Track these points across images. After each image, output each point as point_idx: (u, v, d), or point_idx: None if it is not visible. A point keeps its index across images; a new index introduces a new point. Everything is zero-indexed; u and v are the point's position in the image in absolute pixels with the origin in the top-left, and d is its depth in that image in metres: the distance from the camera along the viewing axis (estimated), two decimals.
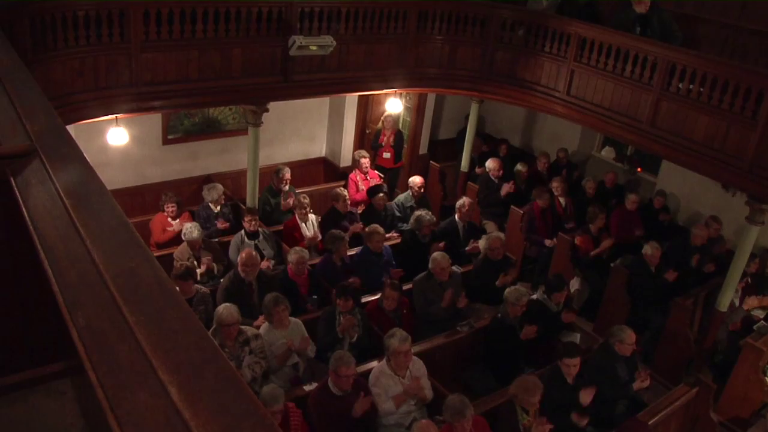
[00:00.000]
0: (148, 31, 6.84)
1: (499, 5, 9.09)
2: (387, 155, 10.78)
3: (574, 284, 8.86)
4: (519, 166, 10.30)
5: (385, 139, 10.69)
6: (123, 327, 1.68)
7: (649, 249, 8.09)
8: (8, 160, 2.69)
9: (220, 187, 8.67)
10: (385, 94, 9.86)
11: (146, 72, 7.02)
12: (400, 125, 11.42)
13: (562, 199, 9.62)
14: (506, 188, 9.87)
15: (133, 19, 6.74)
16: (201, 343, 1.64)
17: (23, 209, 2.45)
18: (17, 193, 2.56)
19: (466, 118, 10.57)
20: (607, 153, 11.11)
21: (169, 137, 9.47)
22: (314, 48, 7.68)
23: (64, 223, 2.27)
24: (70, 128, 6.05)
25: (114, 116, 7.33)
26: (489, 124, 12.46)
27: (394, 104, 10.02)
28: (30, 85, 3.78)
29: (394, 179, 10.99)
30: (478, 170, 10.73)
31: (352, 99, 10.76)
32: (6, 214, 2.73)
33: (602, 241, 8.87)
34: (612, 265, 8.65)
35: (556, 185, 9.60)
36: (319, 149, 11.23)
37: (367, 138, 11.33)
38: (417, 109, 11.47)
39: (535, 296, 7.30)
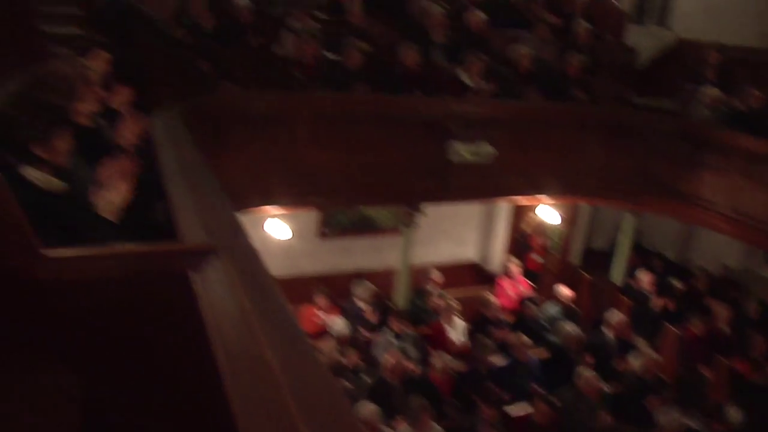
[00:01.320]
0: (315, 131, 7.20)
1: (660, 117, 8.91)
2: (536, 257, 10.61)
3: (733, 413, 8.19)
4: (674, 282, 9.82)
5: (534, 242, 10.58)
6: None
7: None
8: (189, 256, 2.84)
9: (369, 284, 8.81)
10: (539, 201, 9.79)
11: (308, 169, 7.33)
12: (551, 234, 11.26)
13: (722, 324, 9.02)
14: (660, 304, 9.42)
15: (300, 118, 7.14)
16: None
17: (200, 305, 2.56)
18: (195, 289, 2.69)
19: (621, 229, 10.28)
20: None
21: (324, 231, 9.79)
22: (472, 156, 7.79)
23: (239, 322, 2.31)
24: None
25: (275, 209, 7.70)
26: (644, 236, 12.02)
27: (547, 211, 9.92)
28: (210, 181, 4.05)
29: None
30: (631, 283, 10.32)
31: (505, 204, 10.75)
32: (183, 309, 2.85)
33: (765, 367, 8.20)
34: None
35: (718, 309, 9.03)
36: (469, 253, 11.22)
37: (516, 242, 11.24)
38: (569, 217, 11.29)
39: (690, 423, 6.82)
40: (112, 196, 3.04)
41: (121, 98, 4.75)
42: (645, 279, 9.69)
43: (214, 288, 2.61)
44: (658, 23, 12.62)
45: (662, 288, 9.78)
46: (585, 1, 10.52)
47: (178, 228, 3.14)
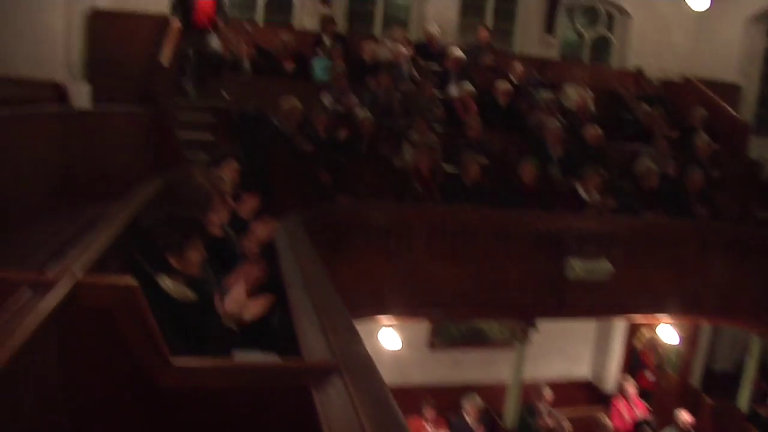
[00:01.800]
0: (431, 244, 7.23)
1: None
2: (649, 376, 10.15)
3: None
4: None
5: (647, 359, 10.14)
6: None
7: None
8: (311, 374, 2.85)
9: (478, 398, 8.59)
10: (658, 319, 9.41)
11: (424, 281, 7.33)
12: (670, 353, 10.76)
13: None
14: None
15: (418, 231, 7.19)
16: None
17: (321, 422, 2.55)
18: (317, 406, 2.69)
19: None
20: None
21: (434, 342, 9.68)
22: (589, 272, 7.62)
23: None
24: None
25: (388, 319, 7.69)
26: None
27: (666, 331, 9.51)
28: (333, 296, 4.08)
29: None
30: (759, 410, 9.65)
31: (621, 322, 10.37)
32: (303, 425, 2.85)
33: None
34: None
35: None
36: (582, 370, 10.83)
37: (630, 359, 10.78)
38: (689, 337, 10.77)
39: None
40: (236, 305, 3.12)
41: (248, 207, 4.93)
42: None
43: (334, 406, 2.60)
44: None
45: None
46: (705, 114, 10.35)
47: (300, 342, 3.17)
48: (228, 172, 4.88)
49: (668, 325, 9.44)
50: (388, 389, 2.82)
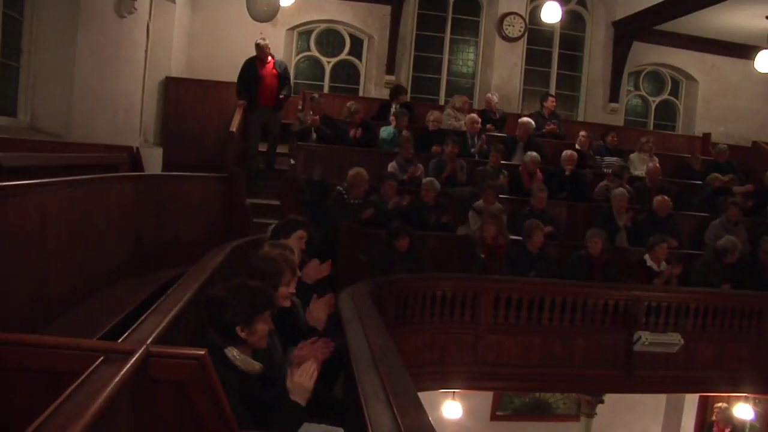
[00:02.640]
0: (496, 315, 7.13)
1: None
2: None
3: None
4: None
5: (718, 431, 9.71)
6: None
7: None
8: None
9: None
10: (733, 396, 9.03)
11: (489, 352, 7.21)
12: (747, 431, 10.28)
13: None
14: None
15: (484, 302, 7.11)
16: None
17: None
18: None
19: None
20: None
21: (498, 414, 9.50)
22: (659, 345, 7.40)
23: None
24: None
25: (451, 389, 7.58)
26: None
27: (743, 410, 9.10)
28: (401, 371, 4.03)
29: None
30: None
31: (692, 397, 9.99)
32: None
33: None
34: None
35: None
36: None
37: None
38: (767, 416, 10.29)
39: None
40: (303, 380, 3.11)
41: (315, 274, 4.95)
42: None
43: None
44: None
45: None
46: None
47: (366, 417, 3.14)
48: (296, 242, 4.92)
49: (743, 402, 9.03)
50: None
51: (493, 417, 9.52)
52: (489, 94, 11.11)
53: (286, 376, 3.18)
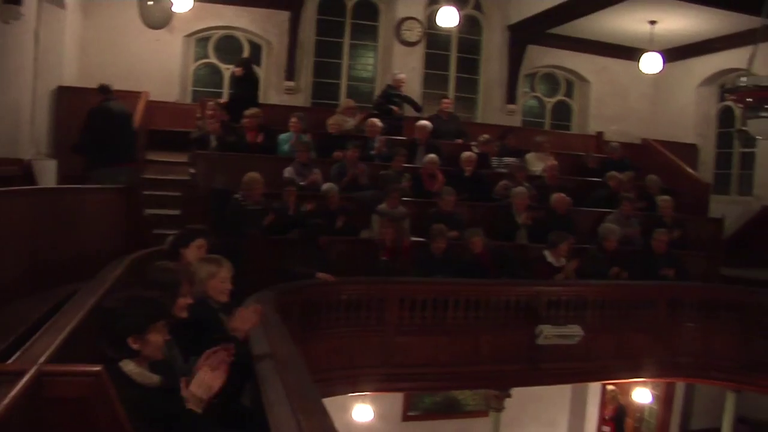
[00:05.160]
0: (402, 316, 7.20)
1: (756, 290, 8.61)
2: (606, 429, 10.21)
3: None
4: None
5: (606, 412, 10.15)
6: None
7: None
8: None
9: None
10: (632, 382, 9.42)
11: (397, 354, 7.26)
12: (646, 414, 10.73)
13: None
14: None
15: (389, 304, 7.16)
16: None
17: None
18: None
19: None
20: None
21: (410, 414, 9.58)
22: (561, 338, 7.63)
23: None
24: None
25: (361, 392, 7.60)
26: (749, 413, 11.26)
27: (642, 394, 9.50)
28: (304, 377, 4.02)
29: None
30: None
31: (595, 386, 10.35)
32: None
33: None
34: None
35: None
36: None
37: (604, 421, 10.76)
38: (664, 397, 10.76)
39: None
40: (203, 389, 3.07)
41: (243, 324, 4.83)
42: None
43: None
44: (741, 192, 12.57)
45: None
46: (658, 180, 10.59)
47: (271, 424, 3.13)
48: (196, 251, 4.83)
49: (642, 386, 9.43)
50: None
51: (405, 417, 9.57)
52: (399, 74, 11.21)
53: (183, 388, 3.13)
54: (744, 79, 6.97)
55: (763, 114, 6.87)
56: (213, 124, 8.94)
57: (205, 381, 3.09)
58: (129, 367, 2.94)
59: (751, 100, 6.92)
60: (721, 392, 9.76)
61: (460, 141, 10.75)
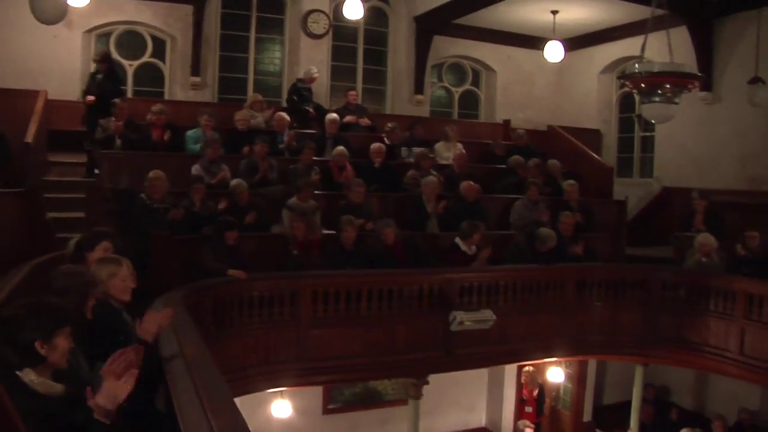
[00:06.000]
0: (316, 310, 7.20)
1: (658, 268, 8.98)
2: (529, 409, 10.49)
3: None
4: None
5: (527, 393, 10.47)
6: None
7: None
8: None
9: None
10: (546, 362, 9.67)
11: (313, 348, 7.26)
12: (562, 392, 11.06)
13: None
14: None
15: (302, 298, 7.15)
16: None
17: None
18: None
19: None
20: None
21: (330, 407, 9.59)
22: (474, 323, 7.76)
23: None
24: (237, 400, 6.29)
25: (279, 388, 7.56)
26: (654, 380, 11.74)
27: (555, 373, 9.77)
28: (215, 377, 3.97)
29: None
30: None
31: (511, 368, 10.59)
32: None
33: None
34: None
35: None
36: (478, 419, 10.98)
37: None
38: (578, 375, 11.11)
39: None
40: (110, 398, 2.99)
41: (153, 327, 4.71)
42: None
43: None
44: (642, 175, 13.06)
45: None
46: (574, 161, 10.89)
47: (182, 426, 3.09)
48: (101, 255, 4.70)
49: (555, 366, 9.70)
50: None
51: (326, 411, 9.58)
52: (314, 72, 11.16)
53: (89, 396, 3.04)
54: (637, 66, 7.21)
55: (656, 99, 7.13)
56: (116, 122, 8.69)
57: (112, 389, 3.00)
58: (30, 377, 2.82)
59: (644, 86, 7.17)
60: (630, 367, 10.15)
61: (366, 120, 10.91)
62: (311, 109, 10.73)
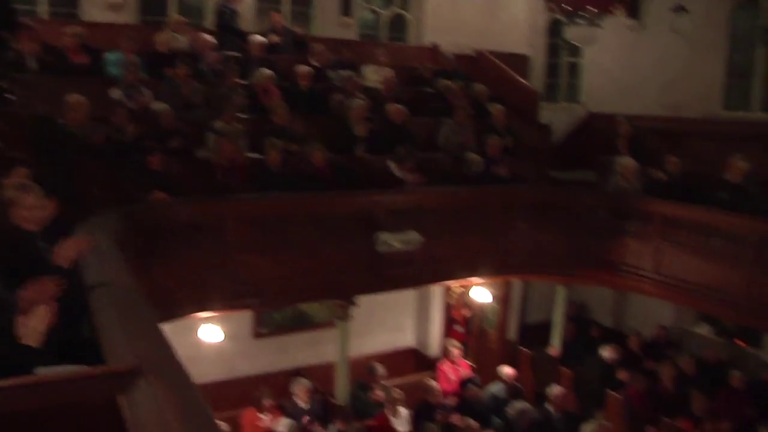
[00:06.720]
0: (243, 234, 7.18)
1: (581, 190, 9.22)
2: (459, 328, 10.83)
3: None
4: (604, 353, 9.80)
5: (457, 314, 10.78)
6: None
7: None
8: (115, 379, 2.77)
9: (305, 381, 8.73)
10: (472, 282, 9.91)
11: (241, 272, 7.27)
12: (489, 313, 11.38)
13: (668, 383, 9.05)
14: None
15: (229, 223, 7.13)
16: None
17: (129, 427, 2.50)
18: (124, 412, 2.63)
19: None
20: (705, 329, 10.66)
21: (260, 331, 9.66)
22: (400, 244, 7.87)
23: None
24: (167, 326, 6.28)
25: (209, 313, 7.58)
26: (581, 306, 12.21)
27: (481, 293, 10.03)
28: (137, 301, 3.97)
29: None
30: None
31: (438, 288, 10.83)
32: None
33: (707, 424, 8.26)
34: None
35: (662, 369, 9.07)
36: (407, 339, 11.22)
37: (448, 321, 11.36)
38: (503, 295, 11.42)
39: None
40: (34, 322, 2.96)
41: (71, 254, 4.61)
42: None
43: (142, 411, 2.57)
44: (568, 100, 13.26)
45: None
46: (485, 89, 10.97)
47: (105, 350, 3.09)
48: (17, 179, 4.59)
49: (481, 285, 9.95)
50: (197, 388, 2.81)
51: (256, 335, 9.64)
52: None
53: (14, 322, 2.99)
54: None
55: (580, 21, 7.21)
56: (31, 45, 8.29)
57: (38, 311, 2.97)
58: None
59: (569, 8, 7.23)
60: (552, 286, 10.50)
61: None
62: (237, 30, 10.44)
